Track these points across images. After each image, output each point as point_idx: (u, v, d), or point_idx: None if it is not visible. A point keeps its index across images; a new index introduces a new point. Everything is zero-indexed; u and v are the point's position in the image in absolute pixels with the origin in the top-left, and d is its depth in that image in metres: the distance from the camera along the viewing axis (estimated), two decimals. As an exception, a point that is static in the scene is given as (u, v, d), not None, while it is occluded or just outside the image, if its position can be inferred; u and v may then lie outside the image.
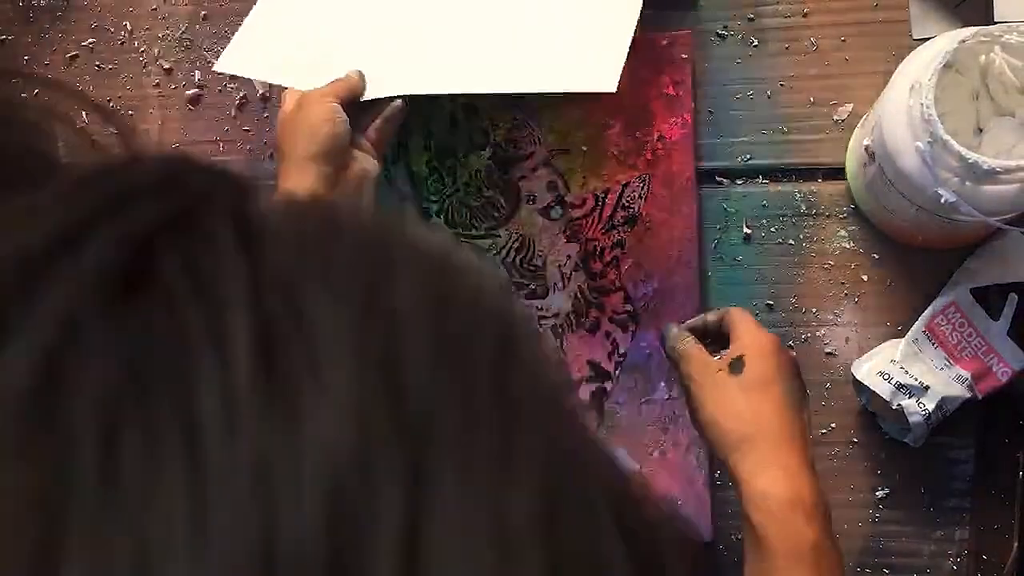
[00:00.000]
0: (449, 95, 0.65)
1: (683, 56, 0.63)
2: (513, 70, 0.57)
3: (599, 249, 0.62)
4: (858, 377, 0.57)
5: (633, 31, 0.56)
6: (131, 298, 0.17)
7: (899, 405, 0.55)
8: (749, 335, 0.50)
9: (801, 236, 0.62)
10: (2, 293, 0.17)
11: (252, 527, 0.15)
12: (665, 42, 0.63)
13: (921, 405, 0.55)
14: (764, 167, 0.63)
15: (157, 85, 0.71)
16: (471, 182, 0.64)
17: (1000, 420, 0.57)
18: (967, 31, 0.49)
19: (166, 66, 0.71)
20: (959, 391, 0.56)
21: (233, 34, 0.71)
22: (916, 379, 0.56)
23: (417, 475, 0.16)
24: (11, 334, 0.16)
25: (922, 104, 0.48)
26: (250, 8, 0.71)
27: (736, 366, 0.49)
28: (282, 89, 0.59)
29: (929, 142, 0.49)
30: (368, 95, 0.57)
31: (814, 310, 0.61)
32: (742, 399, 0.48)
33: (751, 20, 0.64)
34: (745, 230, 0.62)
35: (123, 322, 0.17)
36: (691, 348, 0.51)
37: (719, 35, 0.64)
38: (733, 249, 0.62)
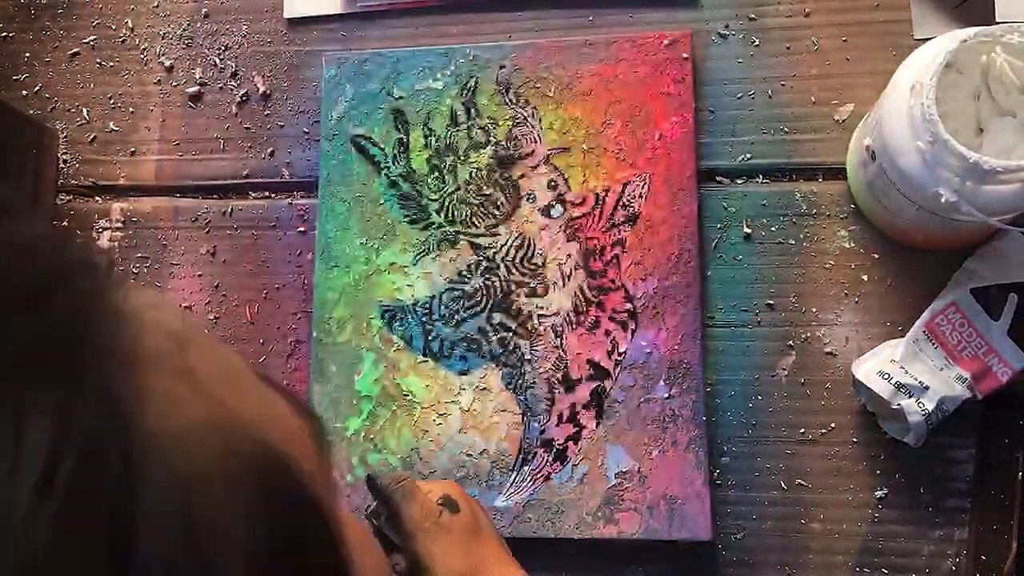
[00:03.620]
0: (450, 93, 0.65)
1: (684, 55, 0.63)
2: None
3: (599, 248, 0.62)
4: (858, 377, 0.57)
5: None
6: None
7: (899, 405, 0.55)
8: (437, 484, 0.49)
9: (801, 236, 0.62)
10: None
11: None
12: (666, 41, 0.63)
13: (921, 405, 0.55)
14: (764, 167, 0.63)
15: (158, 82, 0.72)
16: (472, 180, 0.64)
17: (1000, 420, 0.57)
18: (968, 31, 0.49)
19: (167, 63, 0.72)
20: (959, 391, 0.56)
21: (233, 31, 0.71)
22: (916, 379, 0.56)
23: None
24: None
25: (923, 104, 0.48)
26: (251, 7, 0.71)
27: (451, 505, 0.47)
28: None
29: (930, 142, 0.49)
30: None
31: (814, 310, 0.61)
32: (462, 547, 0.46)
33: (752, 20, 0.64)
34: (745, 230, 0.62)
35: None
36: (414, 488, 0.47)
37: (720, 35, 0.64)
38: (733, 248, 0.62)
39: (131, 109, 0.71)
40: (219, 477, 0.18)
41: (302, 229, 0.67)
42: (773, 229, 0.62)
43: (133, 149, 0.71)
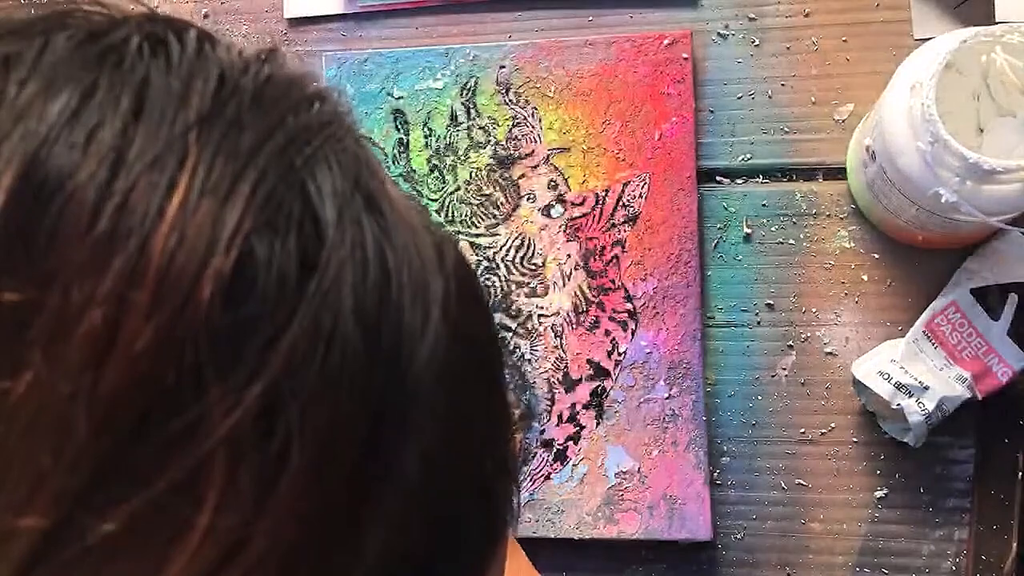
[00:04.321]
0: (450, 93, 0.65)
1: (684, 55, 0.63)
2: None
3: (599, 248, 0.62)
4: (858, 377, 0.57)
5: None
6: None
7: (899, 405, 0.55)
8: None
9: (801, 236, 0.62)
10: None
11: None
12: (666, 41, 0.63)
13: (921, 405, 0.55)
14: (764, 167, 0.63)
15: (158, 83, 0.71)
16: (471, 180, 0.64)
17: (1000, 420, 0.57)
18: (968, 31, 0.49)
19: (167, 64, 0.71)
20: (959, 391, 0.56)
21: (233, 32, 0.71)
22: (916, 379, 0.56)
23: None
24: None
25: (923, 104, 0.48)
26: (251, 7, 0.71)
27: None
28: None
29: (930, 142, 0.49)
30: None
31: (814, 310, 0.61)
32: None
33: (752, 20, 0.64)
34: (745, 230, 0.62)
35: None
36: None
37: (720, 35, 0.64)
38: (733, 248, 0.62)
39: (131, 109, 0.71)
40: (429, 234, 0.24)
41: (302, 229, 0.67)
42: (773, 229, 0.62)
43: (133, 149, 0.71)
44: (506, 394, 0.28)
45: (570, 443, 0.60)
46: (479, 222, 0.64)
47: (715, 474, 0.60)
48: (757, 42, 0.64)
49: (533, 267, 0.63)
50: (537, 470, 0.60)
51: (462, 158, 0.64)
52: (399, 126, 0.66)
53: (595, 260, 0.62)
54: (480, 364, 0.26)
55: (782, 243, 0.62)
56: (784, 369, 0.61)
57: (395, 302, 0.21)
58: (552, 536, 0.59)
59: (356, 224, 0.21)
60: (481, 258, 0.63)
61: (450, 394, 0.23)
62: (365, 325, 0.20)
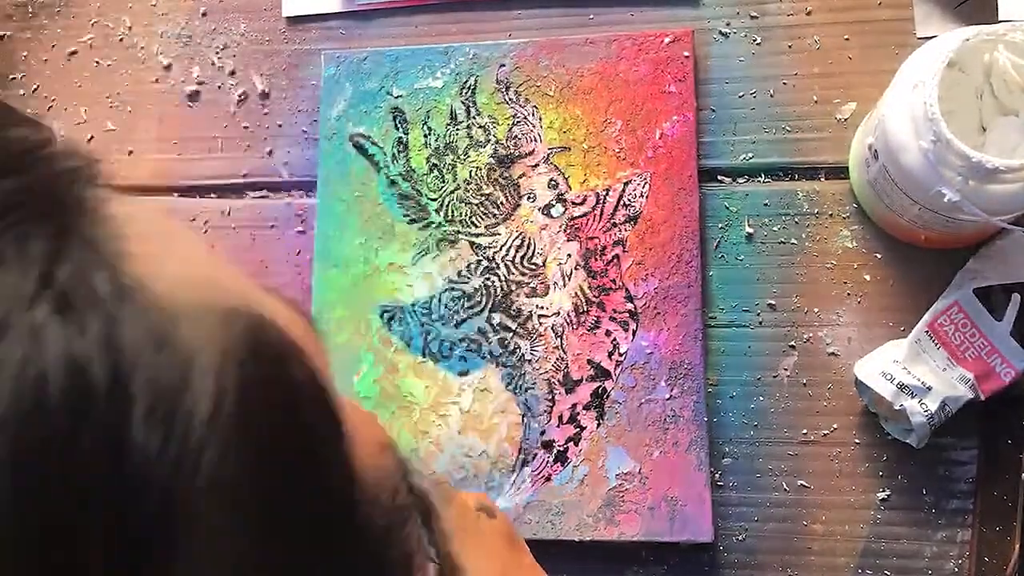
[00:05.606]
0: (449, 92, 0.64)
1: (685, 54, 0.63)
2: None
3: (600, 247, 0.62)
4: (860, 377, 0.57)
5: None
6: None
7: (901, 406, 0.55)
8: (470, 494, 0.50)
9: (803, 235, 0.61)
10: None
11: None
12: (668, 40, 0.63)
13: (924, 406, 0.55)
14: (766, 166, 0.63)
15: (156, 81, 0.71)
16: (471, 179, 0.64)
17: (1003, 421, 0.57)
18: (971, 30, 0.49)
19: (165, 62, 0.71)
20: (962, 392, 0.55)
21: (232, 30, 0.71)
22: (919, 379, 0.55)
23: None
24: None
25: (925, 103, 0.48)
26: (250, 5, 0.71)
27: (488, 511, 0.48)
28: None
29: (933, 141, 0.48)
30: None
31: (816, 310, 0.61)
32: (499, 552, 0.46)
33: (754, 18, 0.64)
34: (747, 229, 0.62)
35: None
36: (452, 491, 0.49)
37: (722, 33, 0.64)
38: (735, 248, 0.62)
39: (129, 108, 0.71)
40: (209, 315, 0.20)
41: (301, 229, 0.67)
42: (775, 229, 0.62)
43: (131, 148, 0.71)
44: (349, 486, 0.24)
45: (571, 444, 0.60)
46: (479, 221, 0.63)
47: (716, 475, 0.60)
48: (759, 40, 0.64)
49: (533, 267, 0.62)
50: (537, 471, 0.60)
51: (462, 157, 0.64)
52: (398, 125, 0.65)
53: (596, 260, 0.62)
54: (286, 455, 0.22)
55: (784, 243, 0.62)
56: (786, 369, 0.60)
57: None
58: (552, 538, 0.59)
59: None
60: (481, 258, 0.63)
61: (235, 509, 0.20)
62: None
